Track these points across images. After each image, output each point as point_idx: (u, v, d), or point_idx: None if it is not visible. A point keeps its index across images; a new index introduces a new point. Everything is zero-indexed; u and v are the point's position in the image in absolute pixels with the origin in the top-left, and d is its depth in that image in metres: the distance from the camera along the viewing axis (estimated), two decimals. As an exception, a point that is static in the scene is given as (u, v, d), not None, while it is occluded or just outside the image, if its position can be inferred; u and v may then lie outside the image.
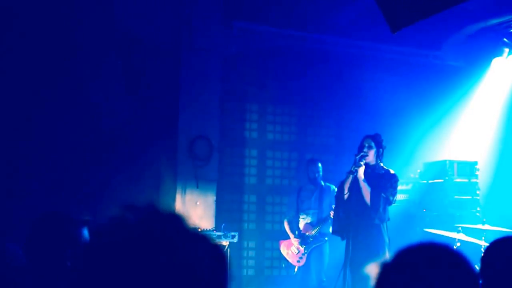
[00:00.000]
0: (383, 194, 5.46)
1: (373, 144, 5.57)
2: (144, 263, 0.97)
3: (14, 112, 6.17)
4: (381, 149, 5.61)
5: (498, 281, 1.83)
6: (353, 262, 5.42)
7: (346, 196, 5.53)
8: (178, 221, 1.06)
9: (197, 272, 1.01)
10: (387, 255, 5.43)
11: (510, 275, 1.84)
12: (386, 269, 1.22)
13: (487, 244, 2.15)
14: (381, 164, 5.63)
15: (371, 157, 5.58)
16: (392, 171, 5.63)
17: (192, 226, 1.08)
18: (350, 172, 5.53)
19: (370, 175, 5.56)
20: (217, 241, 6.36)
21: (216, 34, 7.29)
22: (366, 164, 5.60)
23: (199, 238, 1.06)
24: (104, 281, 0.97)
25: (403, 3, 3.74)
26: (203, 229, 6.42)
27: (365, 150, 5.55)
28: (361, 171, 5.52)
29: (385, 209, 5.50)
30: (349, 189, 5.53)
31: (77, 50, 6.36)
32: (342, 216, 5.59)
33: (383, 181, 5.53)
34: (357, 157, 5.52)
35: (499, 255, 1.91)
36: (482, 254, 2.02)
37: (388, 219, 5.54)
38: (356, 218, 5.48)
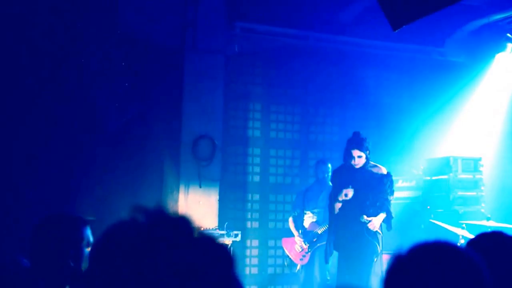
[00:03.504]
0: (387, 197, 5.51)
1: (362, 152, 5.54)
2: (153, 264, 0.99)
3: (17, 112, 6.20)
4: (369, 151, 5.59)
5: None
6: (348, 268, 5.49)
7: (337, 210, 5.60)
8: (186, 223, 1.08)
9: (204, 274, 1.02)
10: (379, 260, 5.52)
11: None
12: (395, 267, 1.23)
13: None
14: (371, 162, 5.65)
15: (362, 162, 5.57)
16: (385, 171, 5.63)
17: (198, 228, 1.10)
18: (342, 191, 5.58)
19: (363, 176, 5.56)
20: (220, 239, 6.39)
21: (219, 35, 7.31)
22: (359, 169, 5.60)
23: (206, 240, 1.08)
24: (113, 281, 0.99)
25: (403, 1, 3.74)
26: (206, 228, 6.43)
27: (355, 161, 5.53)
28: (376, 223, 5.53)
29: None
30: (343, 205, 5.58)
31: (81, 51, 6.38)
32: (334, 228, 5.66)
33: (382, 185, 5.54)
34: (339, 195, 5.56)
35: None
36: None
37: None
38: (350, 231, 5.55)
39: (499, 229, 2.11)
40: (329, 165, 6.87)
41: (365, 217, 5.47)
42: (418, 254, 1.23)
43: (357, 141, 5.56)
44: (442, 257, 1.21)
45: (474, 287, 1.19)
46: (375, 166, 5.65)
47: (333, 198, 5.72)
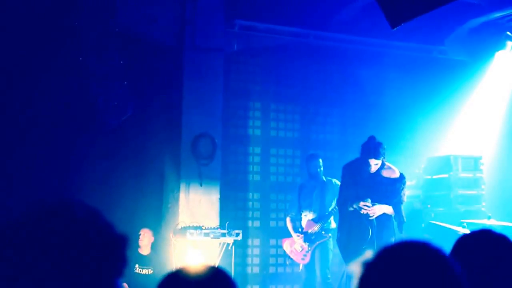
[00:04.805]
0: (400, 200, 5.51)
1: (378, 160, 5.49)
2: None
3: (17, 113, 6.21)
4: (384, 156, 5.55)
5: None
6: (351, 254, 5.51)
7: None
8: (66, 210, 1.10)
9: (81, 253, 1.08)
10: None
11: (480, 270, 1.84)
12: (368, 268, 1.23)
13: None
14: (386, 164, 5.62)
15: (377, 168, 5.53)
16: (397, 173, 5.60)
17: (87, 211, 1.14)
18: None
19: (377, 182, 5.52)
20: (222, 238, 6.39)
21: (218, 33, 7.31)
22: (373, 173, 5.55)
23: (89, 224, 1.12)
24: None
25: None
26: (207, 227, 6.44)
27: (371, 169, 5.49)
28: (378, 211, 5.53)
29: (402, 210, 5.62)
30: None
31: (80, 49, 6.38)
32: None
33: (395, 190, 5.52)
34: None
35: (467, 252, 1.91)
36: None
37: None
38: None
39: (488, 227, 2.11)
40: (320, 160, 6.84)
41: (370, 200, 5.47)
42: (386, 256, 1.23)
43: (373, 149, 5.47)
44: (409, 258, 1.21)
45: (445, 286, 1.18)
46: (389, 168, 5.61)
47: (346, 198, 5.65)
